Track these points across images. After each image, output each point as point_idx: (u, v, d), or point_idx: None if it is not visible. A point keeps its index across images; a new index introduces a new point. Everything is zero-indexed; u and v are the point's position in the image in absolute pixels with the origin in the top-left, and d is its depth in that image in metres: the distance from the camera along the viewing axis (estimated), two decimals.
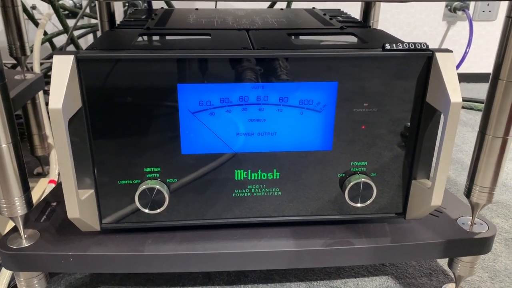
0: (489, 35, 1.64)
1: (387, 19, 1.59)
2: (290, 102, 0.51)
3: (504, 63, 0.50)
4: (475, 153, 0.54)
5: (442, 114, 0.49)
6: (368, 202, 0.54)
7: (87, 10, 1.36)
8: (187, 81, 0.48)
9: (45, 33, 1.21)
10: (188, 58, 0.48)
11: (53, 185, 0.85)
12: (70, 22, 1.17)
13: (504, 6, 0.48)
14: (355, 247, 0.55)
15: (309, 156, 0.53)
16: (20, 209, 0.51)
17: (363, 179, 0.53)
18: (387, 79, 0.50)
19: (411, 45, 0.49)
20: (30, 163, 0.96)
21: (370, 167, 0.54)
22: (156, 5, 1.16)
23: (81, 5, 1.36)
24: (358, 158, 0.54)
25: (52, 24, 1.36)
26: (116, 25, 0.73)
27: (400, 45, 0.49)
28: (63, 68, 0.45)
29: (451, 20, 1.61)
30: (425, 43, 0.49)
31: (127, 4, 1.24)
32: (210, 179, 0.53)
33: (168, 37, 0.64)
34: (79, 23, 1.33)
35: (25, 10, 1.11)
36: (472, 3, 1.56)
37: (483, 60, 1.67)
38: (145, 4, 1.24)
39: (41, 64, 1.19)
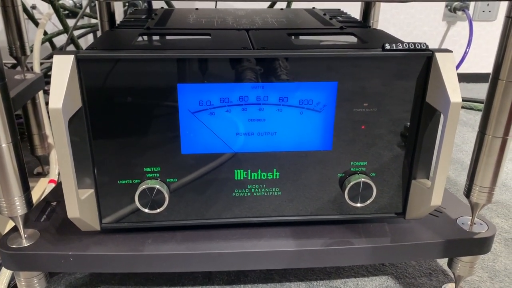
0: (489, 35, 1.64)
1: (387, 19, 1.59)
2: (290, 102, 0.51)
3: (503, 63, 0.50)
4: (474, 153, 0.54)
5: (441, 114, 0.49)
6: (368, 202, 0.54)
7: (87, 10, 1.36)
8: (187, 81, 0.48)
9: (45, 33, 1.21)
10: (188, 58, 0.48)
11: (53, 185, 0.85)
12: (70, 22, 1.17)
13: (504, 6, 0.48)
14: (354, 247, 0.55)
15: (309, 156, 0.53)
16: (20, 208, 0.51)
17: (362, 179, 0.53)
18: (387, 79, 0.50)
19: (411, 45, 0.49)
20: (30, 163, 0.96)
21: (370, 167, 0.54)
22: (156, 5, 1.16)
23: (81, 5, 1.36)
24: (358, 158, 0.54)
25: (52, 24, 1.36)
26: (116, 25, 0.73)
27: (400, 45, 0.49)
28: (63, 68, 0.45)
29: (451, 20, 1.62)
30: (425, 43, 0.49)
31: (127, 4, 1.24)
32: (210, 179, 0.53)
33: (168, 37, 0.64)
34: (79, 23, 1.33)
35: (25, 9, 1.11)
36: (472, 3, 1.56)
37: (483, 60, 1.67)
38: (145, 4, 1.24)
39: (41, 64, 1.19)
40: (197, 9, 0.85)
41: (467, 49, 1.52)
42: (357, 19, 0.78)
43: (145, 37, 0.61)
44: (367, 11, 0.84)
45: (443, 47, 1.26)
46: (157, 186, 0.51)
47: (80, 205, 0.48)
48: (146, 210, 0.52)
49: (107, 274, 0.66)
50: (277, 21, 0.72)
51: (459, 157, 1.08)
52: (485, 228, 0.57)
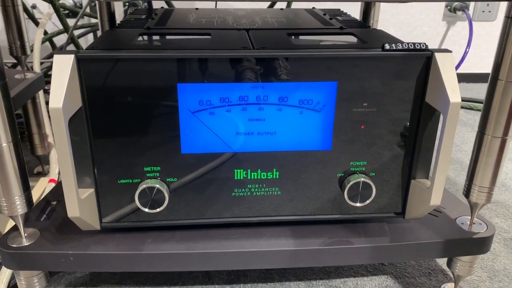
0: (488, 35, 1.64)
1: (387, 19, 1.59)
2: (289, 102, 0.51)
3: (503, 63, 0.50)
4: (474, 153, 0.54)
5: (441, 114, 0.49)
6: (368, 201, 0.54)
7: (87, 10, 1.36)
8: (187, 81, 0.49)
9: (45, 33, 1.21)
10: (188, 57, 0.48)
11: (53, 184, 0.85)
12: (70, 22, 1.17)
13: (504, 6, 0.48)
14: (354, 247, 0.55)
15: (309, 155, 0.53)
16: (20, 208, 0.51)
17: (362, 179, 0.53)
18: (386, 79, 0.50)
19: (411, 45, 0.49)
20: (30, 162, 0.96)
21: (370, 166, 0.54)
22: (156, 4, 1.16)
23: (81, 4, 1.36)
24: (358, 157, 0.54)
25: (52, 23, 1.36)
26: (116, 25, 0.74)
27: (400, 45, 0.49)
28: (63, 68, 0.45)
29: (451, 20, 1.62)
30: (425, 43, 0.49)
31: (127, 3, 1.24)
32: (210, 179, 0.53)
33: (168, 37, 0.64)
34: (79, 23, 1.33)
35: (25, 9, 1.11)
36: (472, 3, 1.56)
37: (482, 60, 1.67)
38: (145, 4, 1.24)
39: (41, 63, 1.19)
40: (197, 9, 0.85)
41: (467, 49, 1.52)
42: (357, 19, 0.78)
43: (145, 37, 0.61)
44: (367, 11, 0.84)
45: (443, 47, 1.26)
46: (157, 186, 0.51)
47: (80, 205, 0.48)
48: (146, 210, 0.52)
49: (107, 273, 0.66)
50: (277, 21, 0.72)
51: (458, 157, 1.08)
52: (484, 228, 0.57)
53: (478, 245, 0.57)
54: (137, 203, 0.52)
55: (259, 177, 0.54)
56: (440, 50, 0.49)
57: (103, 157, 0.51)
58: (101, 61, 0.47)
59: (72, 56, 0.45)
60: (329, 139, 0.53)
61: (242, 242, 0.55)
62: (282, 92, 0.50)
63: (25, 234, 0.54)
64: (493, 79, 0.51)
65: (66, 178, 0.46)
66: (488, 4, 1.58)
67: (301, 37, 0.65)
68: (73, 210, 0.48)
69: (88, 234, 0.55)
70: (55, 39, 1.28)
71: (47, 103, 0.92)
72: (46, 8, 1.38)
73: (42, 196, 0.66)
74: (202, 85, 0.49)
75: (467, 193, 0.56)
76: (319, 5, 0.92)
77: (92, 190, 0.51)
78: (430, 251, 0.56)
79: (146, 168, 0.52)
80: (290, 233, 0.56)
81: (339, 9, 0.85)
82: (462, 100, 1.44)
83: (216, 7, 1.12)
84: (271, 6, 1.26)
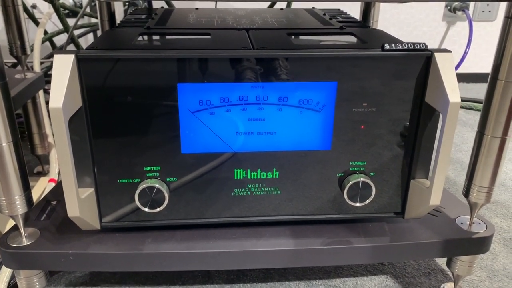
0: (488, 35, 1.64)
1: (387, 19, 1.59)
2: (289, 102, 0.51)
3: (502, 63, 0.50)
4: (473, 153, 0.54)
5: (440, 114, 0.49)
6: (367, 201, 0.54)
7: (88, 9, 1.36)
8: (187, 81, 0.49)
9: (46, 32, 1.21)
10: (188, 57, 0.48)
11: (53, 184, 0.85)
12: (71, 21, 1.17)
13: (504, 6, 0.48)
14: (354, 246, 0.55)
15: (309, 155, 0.53)
16: (20, 207, 0.51)
17: (362, 179, 0.53)
18: (386, 79, 0.50)
19: (410, 45, 0.49)
20: (30, 162, 0.96)
21: (369, 166, 0.54)
22: (156, 4, 1.17)
23: (81, 4, 1.36)
24: (357, 157, 0.54)
25: (52, 23, 1.36)
26: (117, 25, 0.74)
27: (399, 45, 0.49)
28: (63, 67, 0.45)
29: (451, 20, 1.62)
30: (424, 43, 0.49)
31: (127, 3, 1.24)
32: (210, 178, 0.53)
33: (168, 37, 0.64)
34: (79, 22, 1.33)
35: (25, 9, 1.11)
36: (472, 3, 1.56)
37: (482, 60, 1.67)
38: (145, 4, 1.24)
39: (41, 63, 1.19)
40: (197, 8, 0.85)
41: (467, 49, 1.52)
42: (357, 19, 0.78)
43: (145, 37, 0.61)
44: (367, 11, 0.84)
45: (443, 47, 1.26)
46: (157, 185, 0.51)
47: (80, 204, 0.48)
48: (146, 209, 0.52)
49: (107, 273, 0.66)
50: (277, 21, 0.72)
51: (458, 157, 1.08)
52: (483, 228, 0.57)
53: (478, 245, 0.57)
54: (137, 202, 0.52)
55: (259, 177, 0.54)
56: (440, 50, 0.49)
57: (103, 156, 0.51)
58: (101, 61, 0.47)
59: (72, 56, 0.45)
60: (329, 139, 0.53)
61: (242, 241, 0.55)
62: (282, 92, 0.50)
63: (25, 234, 0.54)
64: (492, 79, 0.51)
65: (66, 178, 0.46)
66: (488, 4, 1.58)
67: (301, 37, 0.65)
68: (73, 210, 0.48)
69: (88, 234, 0.55)
70: (55, 39, 1.28)
71: (47, 102, 0.92)
72: (46, 7, 1.38)
73: (42, 196, 0.66)
74: (202, 85, 0.49)
75: (466, 193, 0.56)
76: (319, 5, 0.92)
77: (92, 189, 0.51)
78: (430, 251, 0.57)
79: (146, 168, 0.52)
80: (289, 233, 0.56)
81: (339, 9, 0.86)
82: (462, 100, 1.45)
83: (216, 7, 1.12)
84: (271, 6, 1.26)
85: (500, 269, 0.69)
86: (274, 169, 0.54)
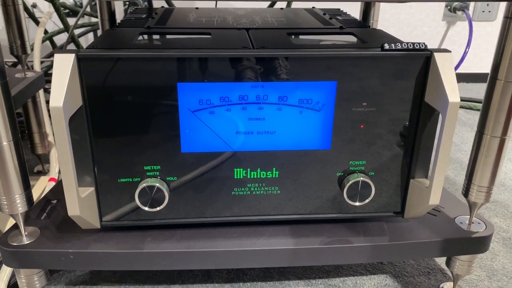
0: (488, 35, 1.64)
1: (387, 19, 1.59)
2: (289, 101, 0.51)
3: (502, 63, 0.50)
4: (473, 153, 0.54)
5: (440, 113, 0.49)
6: (367, 201, 0.54)
7: (88, 9, 1.36)
8: (187, 80, 0.49)
9: (46, 32, 1.21)
10: (188, 57, 0.48)
11: (53, 183, 0.85)
12: (71, 21, 1.17)
13: (504, 6, 0.49)
14: (353, 246, 0.55)
15: (308, 155, 0.53)
16: (20, 206, 0.51)
17: (361, 178, 0.53)
18: (386, 78, 0.50)
19: (410, 45, 0.49)
20: (30, 161, 0.96)
21: (369, 166, 0.54)
22: (157, 4, 1.17)
23: (81, 3, 1.36)
24: (357, 157, 0.54)
25: (52, 22, 1.36)
26: (117, 24, 0.74)
27: (399, 45, 0.49)
28: (64, 67, 0.45)
29: (451, 20, 1.62)
30: (424, 43, 0.49)
31: (127, 3, 1.24)
32: (210, 178, 0.53)
33: (168, 36, 0.64)
34: (79, 22, 1.33)
35: (25, 8, 1.11)
36: (472, 3, 1.57)
37: (482, 60, 1.67)
38: (146, 3, 1.24)
39: (42, 62, 1.19)
40: (197, 8, 0.85)
41: (467, 49, 1.52)
42: (357, 19, 0.79)
43: (146, 36, 0.62)
44: (367, 11, 0.84)
45: (442, 47, 1.26)
46: (157, 185, 0.51)
47: (80, 203, 0.48)
48: (146, 208, 0.52)
49: (107, 271, 0.66)
50: (277, 20, 0.72)
51: (458, 156, 1.09)
52: (483, 227, 0.58)
53: (477, 244, 0.57)
54: (137, 201, 0.52)
55: (258, 176, 0.54)
56: (439, 50, 0.49)
57: (103, 156, 0.51)
58: (102, 60, 0.47)
59: (72, 55, 0.45)
60: (329, 138, 0.53)
61: (241, 241, 0.55)
62: (282, 92, 0.50)
63: (26, 233, 0.54)
64: (492, 79, 0.51)
65: (67, 177, 0.47)
66: (488, 4, 1.58)
67: (301, 36, 0.65)
68: (73, 209, 0.48)
69: (88, 233, 0.55)
70: (55, 38, 1.28)
71: (47, 102, 0.92)
72: (47, 7, 1.38)
73: (43, 195, 0.66)
74: (202, 85, 0.49)
75: (466, 192, 0.56)
76: (319, 5, 0.92)
77: (92, 188, 0.52)
78: (429, 250, 0.57)
79: (146, 167, 0.52)
80: (289, 232, 0.56)
81: (339, 9, 0.86)
82: (462, 100, 1.45)
83: (216, 6, 1.12)
84: (271, 5, 1.26)
85: (499, 268, 0.69)
86: (274, 169, 0.54)
